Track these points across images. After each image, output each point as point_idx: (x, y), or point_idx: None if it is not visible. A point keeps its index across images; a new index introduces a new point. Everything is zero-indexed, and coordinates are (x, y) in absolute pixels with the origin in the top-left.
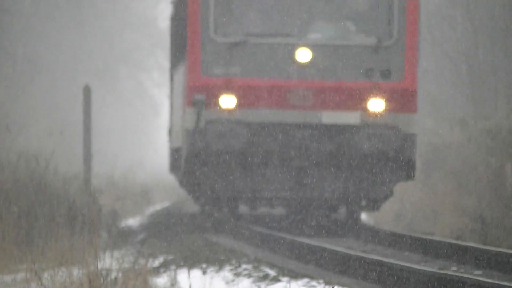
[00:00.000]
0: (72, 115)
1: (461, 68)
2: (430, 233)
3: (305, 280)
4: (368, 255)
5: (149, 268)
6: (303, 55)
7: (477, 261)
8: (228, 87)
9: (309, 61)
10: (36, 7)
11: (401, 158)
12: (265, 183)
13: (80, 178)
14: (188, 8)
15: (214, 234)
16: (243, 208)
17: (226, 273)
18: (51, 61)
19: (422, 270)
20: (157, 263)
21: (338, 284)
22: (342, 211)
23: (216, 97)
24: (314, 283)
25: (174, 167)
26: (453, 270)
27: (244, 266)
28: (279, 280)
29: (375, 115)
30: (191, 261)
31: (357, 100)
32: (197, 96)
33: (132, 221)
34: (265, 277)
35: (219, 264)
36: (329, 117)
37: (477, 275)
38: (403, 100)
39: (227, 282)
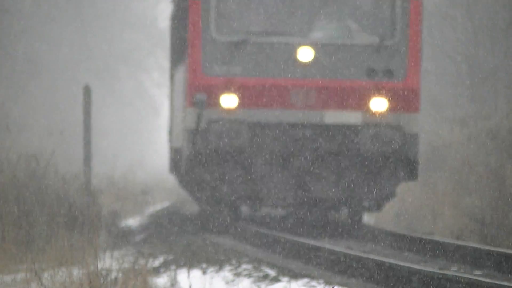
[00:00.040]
0: (72, 115)
1: (461, 68)
2: (430, 233)
3: (305, 280)
4: (368, 255)
5: (149, 268)
6: (305, 54)
7: (477, 261)
8: (229, 87)
9: (311, 60)
10: (36, 7)
11: (404, 159)
12: (266, 184)
13: (80, 178)
14: (189, 6)
15: (214, 234)
16: (244, 209)
17: (226, 273)
18: (51, 61)
19: (422, 270)
20: (157, 263)
21: (338, 284)
22: (344, 212)
23: (217, 96)
24: (314, 283)
25: (174, 167)
26: (453, 270)
27: (244, 266)
28: (279, 280)
29: (377, 115)
30: (191, 261)
31: (359, 99)
32: (198, 95)
33: (132, 221)
34: (265, 277)
35: (219, 264)
36: (331, 117)
37: (477, 275)
38: (405, 99)
39: (227, 282)
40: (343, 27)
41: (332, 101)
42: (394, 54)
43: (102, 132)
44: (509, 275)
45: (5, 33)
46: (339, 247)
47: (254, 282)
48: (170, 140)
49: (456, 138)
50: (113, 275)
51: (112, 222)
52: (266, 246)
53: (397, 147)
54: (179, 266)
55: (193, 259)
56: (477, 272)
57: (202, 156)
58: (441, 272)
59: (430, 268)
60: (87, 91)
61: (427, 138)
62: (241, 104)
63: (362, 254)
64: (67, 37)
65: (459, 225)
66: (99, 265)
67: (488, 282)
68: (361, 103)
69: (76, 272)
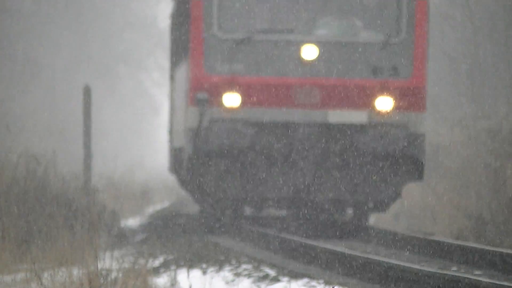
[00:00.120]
0: (72, 115)
1: (461, 68)
2: (430, 233)
3: (305, 280)
4: (368, 255)
5: (149, 268)
6: (309, 52)
7: (477, 261)
8: (232, 85)
9: (315, 58)
10: (36, 7)
11: (410, 159)
12: (270, 184)
13: (80, 178)
14: (191, 4)
15: (215, 235)
16: (246, 209)
17: (226, 273)
18: (51, 61)
19: (422, 270)
20: (157, 263)
21: (338, 284)
22: (349, 213)
23: (220, 95)
24: (314, 283)
25: (175, 167)
26: (453, 270)
27: (244, 266)
28: (279, 280)
29: (383, 114)
30: (191, 261)
31: (364, 98)
32: (200, 94)
33: (132, 221)
34: (265, 277)
35: (219, 264)
36: (335, 116)
37: (477, 275)
38: (411, 98)
39: (227, 282)
40: (348, 24)
41: (337, 100)
42: (400, 52)
43: (102, 132)
44: (509, 275)
45: (5, 33)
46: (339, 247)
47: (254, 282)
48: (170, 140)
49: (456, 138)
50: (113, 275)
51: (112, 222)
52: (267, 246)
53: (403, 147)
54: (179, 266)
55: (193, 259)
56: (477, 272)
57: (204, 156)
58: (441, 272)
59: (430, 268)
60: (87, 91)
61: (427, 138)
62: (244, 103)
63: (362, 254)
64: (67, 37)
65: (459, 225)
66: (99, 265)
67: (488, 282)
68: (366, 102)
69: (76, 272)
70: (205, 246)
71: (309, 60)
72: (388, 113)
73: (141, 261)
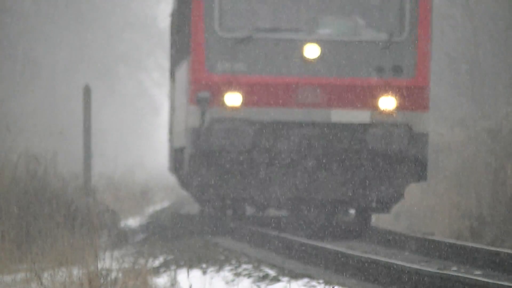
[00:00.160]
0: (72, 115)
1: (461, 68)
2: (430, 233)
3: (305, 280)
4: (368, 255)
5: (149, 268)
6: (312, 51)
7: (477, 261)
8: (233, 84)
9: (317, 58)
10: (36, 7)
11: (413, 159)
12: (271, 184)
13: (80, 178)
14: (192, 2)
15: (216, 235)
16: (248, 210)
17: (226, 273)
18: (51, 61)
19: (422, 270)
20: (157, 263)
21: (338, 284)
22: (352, 213)
23: (221, 94)
24: (314, 283)
25: (175, 167)
26: (453, 270)
27: (244, 266)
28: (279, 280)
29: (386, 113)
30: (191, 261)
31: (367, 98)
32: (201, 93)
33: (132, 221)
34: (265, 277)
35: (219, 264)
36: (338, 115)
37: (477, 275)
38: (415, 98)
39: (227, 282)
40: (351, 23)
41: (339, 100)
42: (403, 51)
43: (102, 132)
44: (509, 275)
45: (5, 33)
46: (340, 247)
47: (254, 282)
48: (171, 140)
49: (456, 138)
50: (113, 275)
51: (112, 222)
52: (268, 246)
53: (406, 147)
54: (179, 266)
55: (193, 259)
56: (477, 272)
57: (205, 155)
58: (441, 272)
59: (430, 268)
60: (87, 91)
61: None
62: (246, 102)
63: (362, 254)
64: (67, 37)
65: (459, 225)
66: (99, 265)
67: (488, 282)
68: (369, 102)
69: (76, 272)
70: (205, 246)
71: (312, 59)
72: (391, 112)
73: (141, 261)
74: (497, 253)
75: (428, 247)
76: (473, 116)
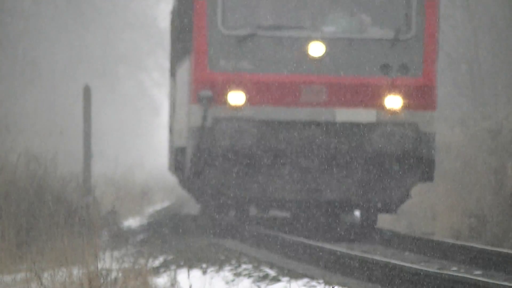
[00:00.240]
0: (72, 115)
1: (461, 68)
2: (430, 233)
3: (305, 280)
4: (368, 255)
5: (149, 268)
6: (316, 49)
7: (477, 261)
8: (236, 83)
9: (322, 56)
10: (36, 7)
11: (420, 159)
12: (275, 184)
13: (79, 178)
14: None
15: (217, 236)
16: (252, 210)
17: (226, 273)
18: (51, 61)
19: (422, 270)
20: (157, 263)
21: (338, 284)
22: (357, 214)
23: (224, 93)
24: (314, 283)
25: (176, 167)
26: (453, 270)
27: (244, 266)
28: (279, 280)
29: (392, 112)
30: (191, 261)
31: (373, 97)
32: (204, 92)
33: (132, 221)
34: (265, 277)
35: (219, 264)
36: (343, 114)
37: (477, 275)
38: (421, 97)
39: (227, 282)
40: (356, 20)
41: (345, 99)
42: (409, 49)
43: (102, 132)
44: (509, 275)
45: (5, 33)
46: (340, 247)
47: (254, 282)
48: (171, 139)
49: (456, 138)
50: (113, 275)
51: (112, 222)
52: (268, 246)
53: (413, 147)
54: (179, 266)
55: (193, 259)
56: (477, 272)
57: (207, 155)
58: (441, 272)
59: (430, 268)
60: (87, 91)
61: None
62: (249, 101)
63: (362, 254)
64: (67, 37)
65: (459, 225)
66: (99, 265)
67: (488, 282)
68: (375, 101)
69: (76, 272)
70: (205, 246)
71: (316, 57)
72: (397, 112)
73: (141, 261)
74: (497, 253)
75: (428, 247)
76: (473, 116)
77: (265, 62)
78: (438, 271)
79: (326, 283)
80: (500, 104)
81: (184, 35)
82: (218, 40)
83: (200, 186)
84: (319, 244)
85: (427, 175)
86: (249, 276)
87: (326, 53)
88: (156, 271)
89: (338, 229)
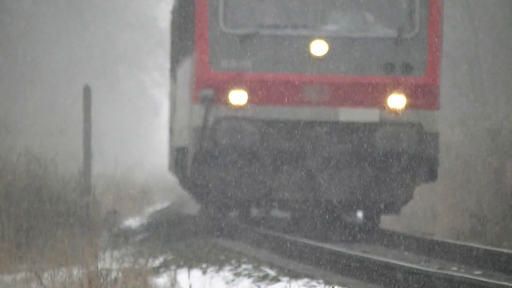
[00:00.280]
0: (72, 115)
1: (461, 68)
2: (430, 233)
3: (305, 280)
4: (368, 255)
5: (149, 268)
6: (319, 48)
7: (477, 261)
8: (238, 82)
9: (325, 55)
10: (36, 7)
11: (423, 158)
12: (277, 184)
13: (80, 178)
14: None
15: (218, 236)
16: (253, 210)
17: (226, 273)
18: (51, 61)
19: (422, 270)
20: (157, 263)
21: (338, 284)
22: (360, 214)
23: (226, 92)
24: (314, 283)
25: (176, 167)
26: (453, 270)
27: (244, 266)
28: (279, 280)
29: (395, 112)
30: (191, 261)
31: (376, 96)
32: (205, 91)
33: (132, 221)
34: (265, 277)
35: (219, 264)
36: (346, 114)
37: (477, 275)
38: (425, 96)
39: (227, 282)
40: (359, 19)
41: (347, 98)
42: (413, 48)
43: (102, 132)
44: (509, 275)
45: (5, 33)
46: (340, 247)
47: (254, 282)
48: (171, 139)
49: (456, 138)
50: (113, 275)
51: (112, 222)
52: (268, 246)
53: (417, 146)
54: (179, 266)
55: (193, 259)
56: (477, 272)
57: (209, 155)
58: (441, 272)
59: (430, 268)
60: (87, 91)
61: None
62: (251, 101)
63: (362, 254)
64: (67, 37)
65: (459, 225)
66: (99, 265)
67: (488, 282)
68: (378, 100)
69: (76, 272)
70: (205, 246)
71: (319, 56)
72: (400, 111)
73: (141, 261)
74: (497, 253)
75: (428, 247)
76: (473, 116)
77: (267, 61)
78: (438, 271)
79: (326, 283)
80: (500, 104)
81: (185, 35)
82: (219, 39)
83: (201, 186)
84: (319, 244)
85: (431, 175)
86: (249, 276)
87: (329, 52)
88: (156, 271)
89: (339, 230)
